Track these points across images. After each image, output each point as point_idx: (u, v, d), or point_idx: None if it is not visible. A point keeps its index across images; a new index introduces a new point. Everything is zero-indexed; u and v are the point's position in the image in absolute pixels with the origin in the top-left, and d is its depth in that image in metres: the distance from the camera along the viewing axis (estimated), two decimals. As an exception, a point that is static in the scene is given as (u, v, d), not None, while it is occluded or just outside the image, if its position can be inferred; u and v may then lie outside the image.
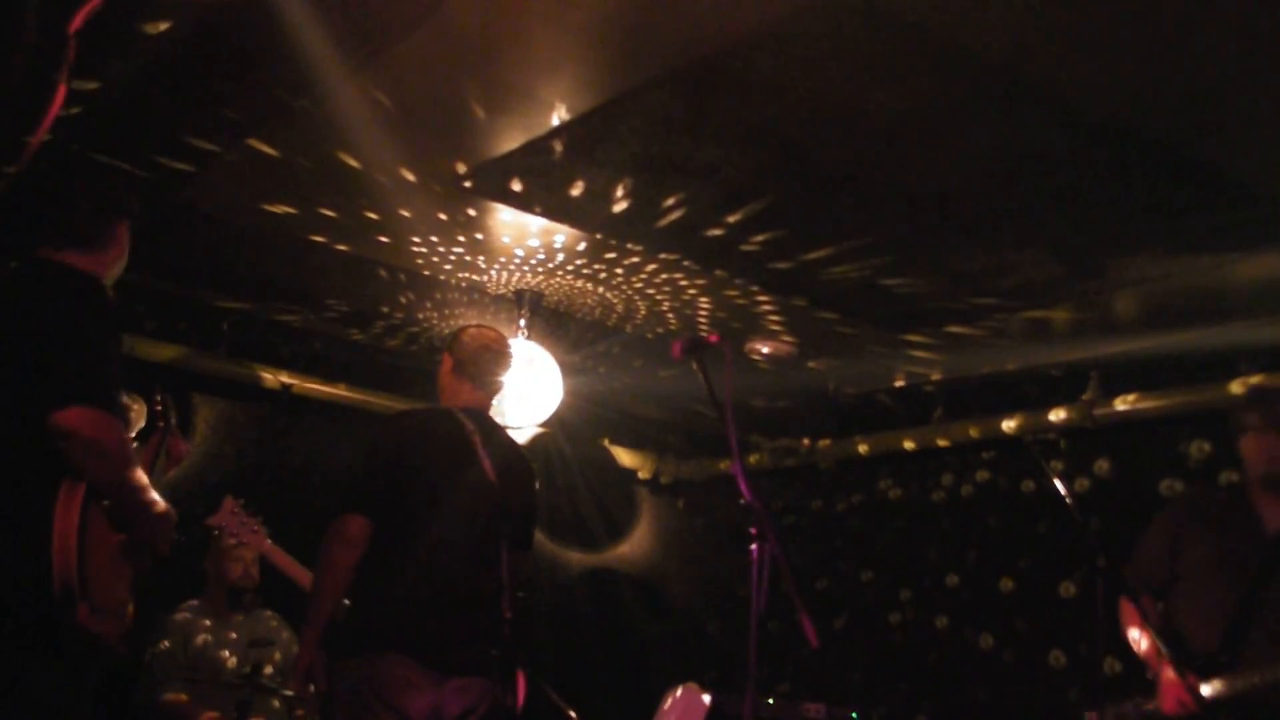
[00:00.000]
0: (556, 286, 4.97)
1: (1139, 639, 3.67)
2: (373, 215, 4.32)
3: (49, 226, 2.76)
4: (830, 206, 3.94)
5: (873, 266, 4.36)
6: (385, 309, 5.44)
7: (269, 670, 4.66)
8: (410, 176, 3.95)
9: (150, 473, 2.95)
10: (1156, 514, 3.86)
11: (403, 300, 5.30)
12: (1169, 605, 3.68)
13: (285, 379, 5.81)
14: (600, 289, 4.94)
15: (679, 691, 5.23)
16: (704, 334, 5.18)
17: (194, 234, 4.66)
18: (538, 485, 3.80)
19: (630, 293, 4.95)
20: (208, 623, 4.76)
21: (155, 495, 2.67)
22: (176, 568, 4.00)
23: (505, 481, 3.46)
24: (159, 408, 3.28)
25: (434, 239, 4.52)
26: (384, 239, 4.55)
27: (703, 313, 5.10)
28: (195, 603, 4.82)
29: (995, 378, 5.44)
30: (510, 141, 3.64)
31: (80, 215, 2.77)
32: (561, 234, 4.37)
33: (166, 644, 4.63)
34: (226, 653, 4.72)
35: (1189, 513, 3.77)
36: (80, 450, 2.46)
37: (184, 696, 4.53)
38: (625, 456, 7.10)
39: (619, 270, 4.69)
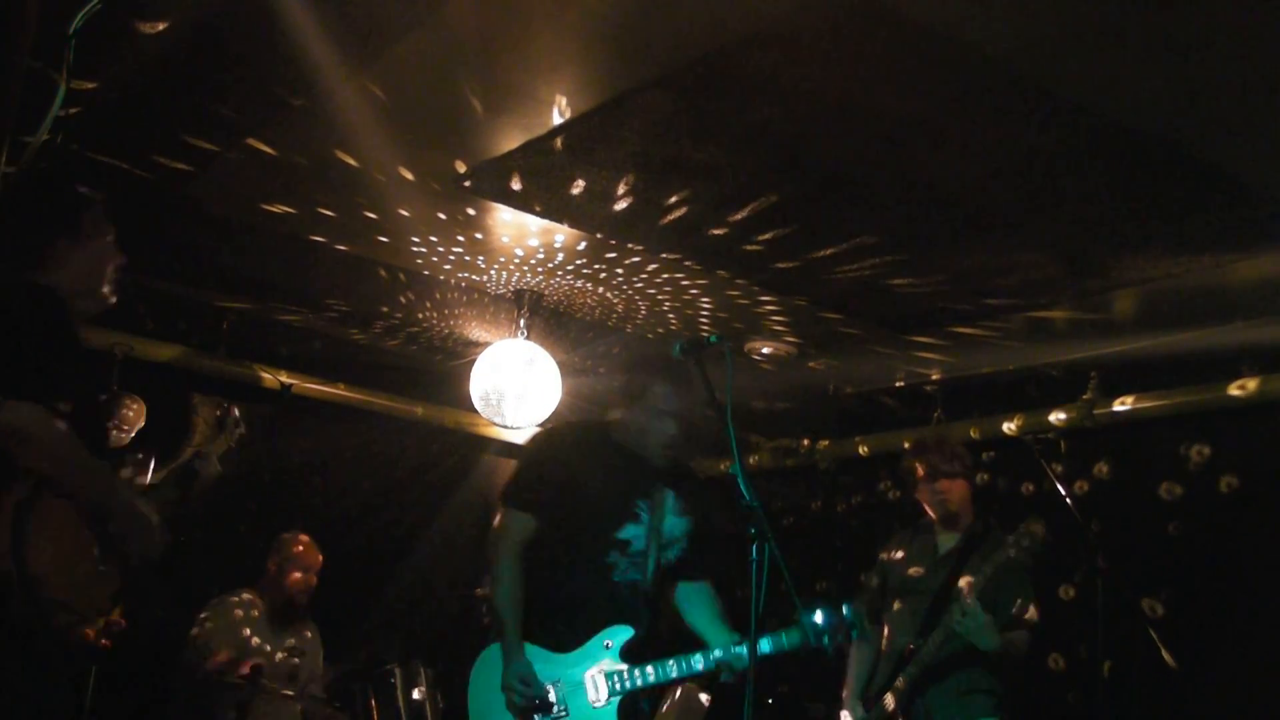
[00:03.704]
0: (556, 286, 4.96)
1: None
2: (372, 215, 4.31)
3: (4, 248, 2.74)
4: (832, 206, 3.93)
5: (874, 266, 4.36)
6: (385, 309, 5.43)
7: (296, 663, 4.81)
8: (409, 176, 3.94)
9: (162, 483, 2.95)
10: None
11: (402, 300, 5.29)
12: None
13: (285, 379, 5.81)
14: (600, 289, 4.93)
15: (678, 692, 5.23)
16: (704, 334, 5.17)
17: (193, 233, 4.65)
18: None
19: (631, 292, 4.94)
20: (253, 613, 4.89)
21: (128, 495, 2.65)
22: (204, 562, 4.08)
23: None
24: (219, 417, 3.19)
25: (433, 239, 4.52)
26: (383, 239, 4.54)
27: (704, 312, 5.10)
28: (236, 597, 4.91)
29: (995, 378, 5.42)
30: (510, 141, 3.63)
31: (19, 234, 2.73)
32: (561, 234, 4.36)
33: (210, 623, 4.77)
34: (257, 640, 4.83)
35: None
36: (15, 446, 2.46)
37: (226, 654, 4.63)
38: (625, 457, 7.07)
39: (619, 270, 4.69)
